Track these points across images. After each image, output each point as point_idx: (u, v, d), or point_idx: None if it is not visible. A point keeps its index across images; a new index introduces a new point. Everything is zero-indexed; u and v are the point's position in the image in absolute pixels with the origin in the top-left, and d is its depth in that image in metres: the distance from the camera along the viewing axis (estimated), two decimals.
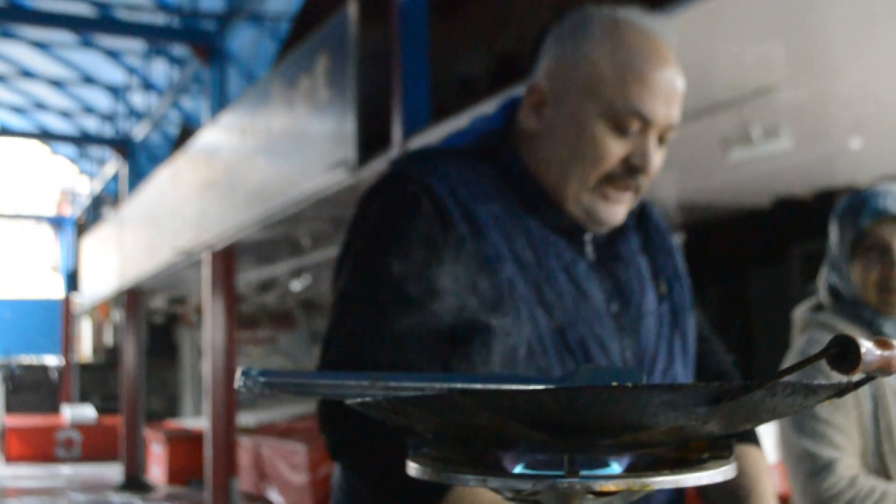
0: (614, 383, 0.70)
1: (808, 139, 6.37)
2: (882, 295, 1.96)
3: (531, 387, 0.80)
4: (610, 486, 0.73)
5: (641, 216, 1.45)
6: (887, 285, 1.94)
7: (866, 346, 0.67)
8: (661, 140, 1.33)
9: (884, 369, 0.69)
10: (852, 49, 5.12)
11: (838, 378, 0.70)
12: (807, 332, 2.05)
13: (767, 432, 5.14)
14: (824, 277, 2.08)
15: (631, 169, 1.30)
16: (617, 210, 1.33)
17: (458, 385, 0.81)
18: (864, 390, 1.92)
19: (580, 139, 1.30)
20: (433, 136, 6.32)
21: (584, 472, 0.75)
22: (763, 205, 8.07)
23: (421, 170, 1.32)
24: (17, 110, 16.30)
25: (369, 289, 1.23)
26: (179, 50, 11.25)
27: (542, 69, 1.37)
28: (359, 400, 0.76)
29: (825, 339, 1.69)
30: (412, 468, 0.80)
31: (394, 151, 6.37)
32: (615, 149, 1.30)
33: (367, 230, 1.30)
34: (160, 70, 12.31)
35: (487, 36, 6.55)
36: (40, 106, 15.86)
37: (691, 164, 7.35)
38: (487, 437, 0.76)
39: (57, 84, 14.63)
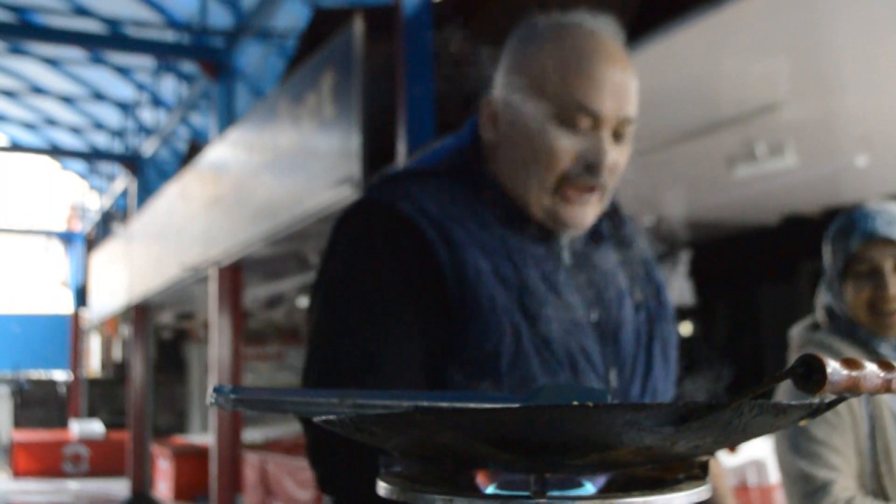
0: (575, 402, 0.68)
1: (815, 156, 6.36)
2: (873, 317, 1.94)
3: (492, 405, 0.79)
4: None
5: (617, 225, 1.44)
6: (878, 307, 1.93)
7: (833, 365, 0.65)
8: (619, 136, 1.32)
9: (851, 389, 0.67)
10: (858, 66, 5.10)
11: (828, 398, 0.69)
12: (802, 350, 2.04)
13: (768, 453, 5.11)
14: (821, 297, 2.07)
15: (588, 167, 1.29)
16: (582, 212, 1.32)
17: (423, 403, 0.80)
18: (861, 410, 1.90)
19: (533, 142, 1.30)
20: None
21: (552, 493, 0.74)
22: (770, 222, 8.05)
23: (392, 194, 1.31)
24: (28, 126, 16.40)
25: (341, 324, 1.23)
26: (188, 66, 11.29)
27: (495, 82, 1.39)
28: (323, 418, 0.75)
29: None
30: (381, 487, 0.79)
31: (399, 166, 6.37)
32: (567, 147, 1.29)
33: (339, 260, 1.30)
34: (169, 86, 12.36)
35: (492, 51, 6.55)
36: (51, 122, 15.95)
37: (697, 181, 7.34)
38: (455, 456, 0.75)
39: (67, 100, 14.72)
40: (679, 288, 7.90)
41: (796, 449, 1.90)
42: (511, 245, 1.29)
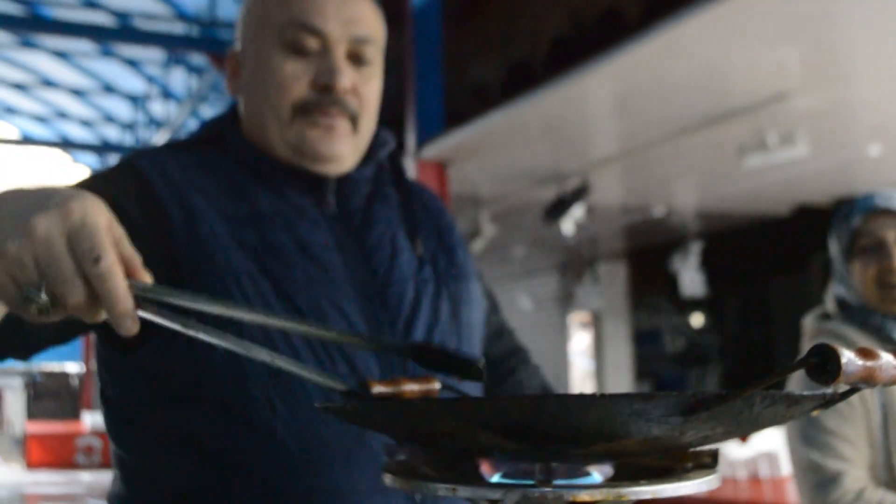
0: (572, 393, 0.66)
1: (826, 146, 6.32)
2: (883, 290, 1.93)
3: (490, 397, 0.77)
4: (584, 496, 0.70)
5: (398, 180, 1.40)
6: (887, 280, 1.92)
7: (847, 355, 0.64)
8: (358, 59, 1.27)
9: (867, 380, 0.65)
10: (870, 54, 5.07)
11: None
12: (815, 340, 2.03)
13: (780, 445, 5.09)
14: (831, 291, 2.05)
15: (324, 89, 1.24)
16: (330, 139, 1.26)
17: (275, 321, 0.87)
18: (874, 401, 1.88)
19: (264, 75, 1.26)
20: (447, 143, 6.31)
21: (558, 482, 0.73)
22: (782, 213, 8.01)
23: (138, 155, 1.27)
24: (39, 119, 16.44)
25: None
26: (198, 59, 11.29)
27: (235, 36, 1.35)
28: (326, 404, 0.75)
29: None
30: (385, 476, 0.78)
31: (408, 159, 6.36)
32: (297, 71, 1.24)
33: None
34: (179, 79, 12.37)
35: (501, 43, 6.54)
36: (61, 115, 15.99)
37: (707, 171, 7.30)
38: (459, 444, 0.74)
39: (78, 93, 14.74)
40: (690, 279, 7.87)
41: (807, 439, 1.88)
42: (261, 208, 1.23)
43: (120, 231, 0.79)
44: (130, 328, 0.76)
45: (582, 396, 0.66)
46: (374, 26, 1.29)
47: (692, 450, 0.79)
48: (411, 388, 0.85)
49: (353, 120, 1.27)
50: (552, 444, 0.70)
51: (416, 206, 1.38)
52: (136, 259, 0.79)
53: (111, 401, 1.23)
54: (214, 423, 1.13)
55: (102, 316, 0.78)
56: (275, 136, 1.26)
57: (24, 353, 1.11)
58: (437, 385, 0.88)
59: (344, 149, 1.28)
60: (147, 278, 0.79)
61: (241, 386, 1.12)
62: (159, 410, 1.16)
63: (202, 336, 0.81)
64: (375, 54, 1.29)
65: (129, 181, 1.20)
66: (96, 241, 0.75)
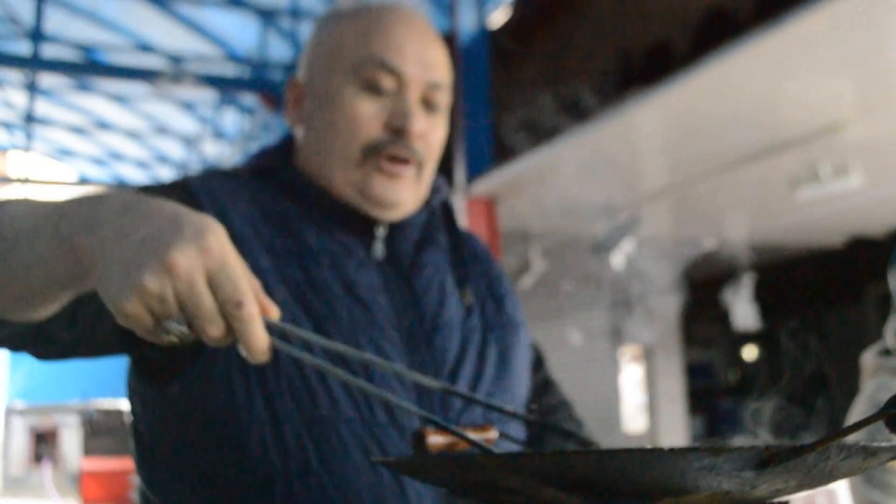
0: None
1: (881, 176, 6.23)
2: None
3: (557, 450, 0.75)
4: None
5: (449, 226, 1.37)
6: None
7: None
8: (430, 105, 1.25)
9: None
10: None
11: None
12: (876, 377, 1.98)
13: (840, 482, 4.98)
14: (891, 326, 2.01)
15: (395, 132, 1.21)
16: (394, 187, 1.23)
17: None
18: None
19: (334, 110, 1.22)
20: (496, 179, 6.31)
21: None
22: (836, 244, 7.89)
23: (191, 178, 1.24)
24: (96, 161, 16.74)
25: None
26: (249, 99, 11.44)
27: (299, 65, 1.32)
28: (383, 458, 0.73)
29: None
30: None
31: (457, 196, 6.37)
32: (370, 111, 1.21)
33: None
34: (230, 119, 12.51)
35: (549, 78, 6.55)
36: (117, 156, 16.26)
37: (759, 203, 7.22)
38: (522, 499, 0.72)
39: (132, 135, 14.99)
40: (743, 311, 7.76)
41: (869, 479, 1.84)
42: (307, 244, 1.19)
43: (244, 266, 0.81)
44: (263, 360, 0.79)
45: (648, 451, 0.64)
46: (446, 73, 1.28)
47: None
48: (468, 436, 0.82)
49: (419, 166, 1.25)
50: (617, 499, 0.68)
51: (465, 253, 1.35)
52: (266, 297, 0.81)
53: (142, 436, 1.20)
54: (243, 468, 1.09)
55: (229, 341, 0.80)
56: (338, 174, 1.23)
57: (47, 356, 1.10)
58: (494, 433, 0.86)
59: (407, 196, 1.25)
60: (276, 314, 0.81)
61: (275, 431, 1.09)
62: (188, 450, 1.13)
63: (322, 365, 0.84)
64: (445, 101, 1.28)
65: (181, 199, 1.15)
66: (238, 286, 0.78)
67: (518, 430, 1.22)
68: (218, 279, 0.77)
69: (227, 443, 1.10)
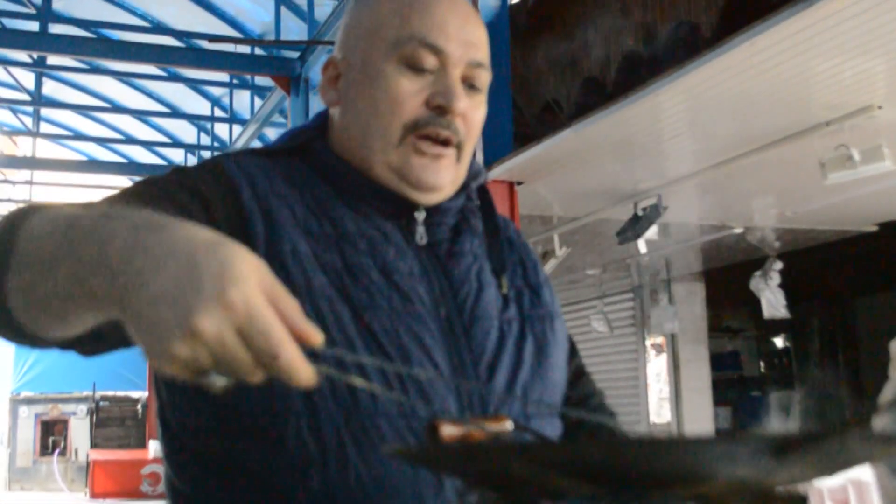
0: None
1: None
2: None
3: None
4: None
5: (487, 216, 1.34)
6: None
7: None
8: (471, 86, 1.23)
9: None
10: None
11: None
12: None
13: (871, 474, 4.85)
14: None
15: (437, 110, 1.19)
16: (436, 168, 1.21)
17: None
18: None
19: (374, 88, 1.21)
20: (517, 162, 6.18)
21: None
22: (868, 229, 7.76)
23: (225, 158, 1.23)
24: (105, 142, 16.66)
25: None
26: (262, 81, 11.32)
27: (336, 44, 1.31)
28: (398, 448, 0.77)
29: None
30: None
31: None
32: (412, 88, 1.19)
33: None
34: (244, 101, 12.41)
35: (571, 60, 6.40)
36: (127, 138, 16.18)
37: (788, 187, 7.09)
38: (535, 488, 0.72)
39: (142, 116, 14.91)
40: (771, 299, 7.62)
41: (895, 468, 1.77)
42: (346, 228, 1.18)
43: (279, 290, 0.77)
44: (310, 386, 0.78)
45: (665, 440, 0.65)
46: (487, 52, 1.26)
47: (780, 491, 0.76)
48: (482, 427, 0.85)
49: (459, 148, 1.22)
50: (632, 487, 0.68)
51: (502, 240, 1.32)
52: (304, 324, 0.78)
53: (169, 424, 1.19)
54: (278, 459, 1.08)
55: None
56: (377, 154, 1.21)
57: (92, 352, 1.08)
58: (508, 424, 0.87)
59: (447, 179, 1.23)
60: (318, 339, 0.78)
61: (312, 423, 1.08)
62: (220, 441, 1.12)
63: (373, 387, 0.88)
64: (486, 81, 1.25)
65: (217, 180, 1.16)
66: (271, 338, 0.75)
67: (556, 426, 1.24)
68: (248, 334, 0.75)
69: (262, 433, 1.08)
